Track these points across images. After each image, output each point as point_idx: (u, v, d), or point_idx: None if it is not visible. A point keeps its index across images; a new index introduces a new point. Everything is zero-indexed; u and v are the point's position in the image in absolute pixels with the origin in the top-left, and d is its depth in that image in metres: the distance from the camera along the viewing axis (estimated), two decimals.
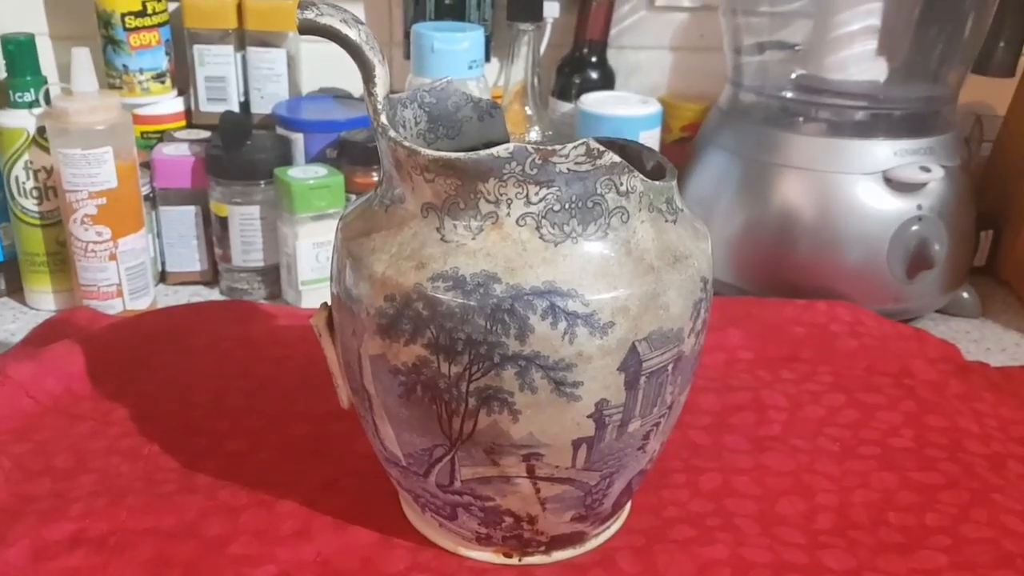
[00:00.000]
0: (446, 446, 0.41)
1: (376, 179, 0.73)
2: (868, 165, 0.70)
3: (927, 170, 0.69)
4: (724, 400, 0.58)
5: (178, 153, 0.75)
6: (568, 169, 0.38)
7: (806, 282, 0.72)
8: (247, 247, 0.74)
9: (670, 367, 0.41)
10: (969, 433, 0.56)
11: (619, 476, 0.44)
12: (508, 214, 0.38)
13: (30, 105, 0.68)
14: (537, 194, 0.38)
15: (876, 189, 0.70)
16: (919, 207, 0.70)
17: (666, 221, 0.41)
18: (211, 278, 0.78)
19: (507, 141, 0.49)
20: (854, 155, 0.70)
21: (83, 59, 0.66)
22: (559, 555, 0.46)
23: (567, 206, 0.39)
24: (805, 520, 0.49)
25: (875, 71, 0.74)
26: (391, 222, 0.41)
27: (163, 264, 0.77)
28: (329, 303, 0.46)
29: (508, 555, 0.46)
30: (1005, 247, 0.81)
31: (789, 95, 0.75)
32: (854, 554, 0.46)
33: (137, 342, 0.62)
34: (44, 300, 0.73)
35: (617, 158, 0.38)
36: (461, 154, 0.37)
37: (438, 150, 0.40)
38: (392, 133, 0.39)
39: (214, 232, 0.75)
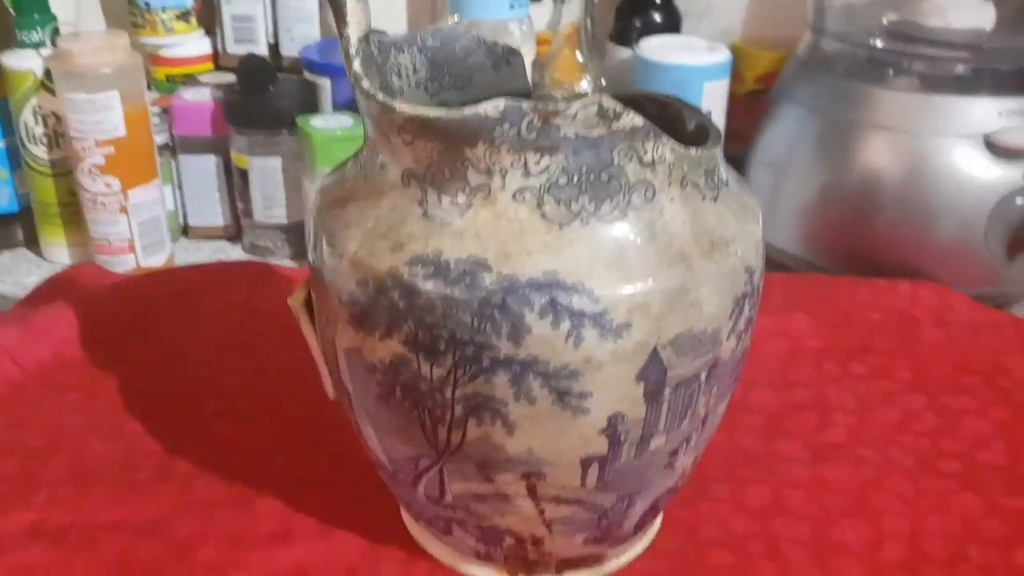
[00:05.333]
0: (432, 457, 0.35)
1: None
2: (968, 127, 0.60)
3: None
4: (782, 398, 0.50)
5: (199, 99, 0.69)
6: (576, 134, 0.31)
7: (888, 259, 0.63)
8: (268, 202, 0.69)
9: (703, 375, 0.34)
10: None
11: (641, 497, 0.37)
12: (502, 187, 0.31)
13: (37, 45, 0.63)
14: (538, 163, 0.31)
15: (975, 155, 0.60)
16: None
17: (704, 198, 0.34)
18: (235, 233, 0.73)
19: (527, 93, 0.42)
20: (952, 115, 0.61)
21: None
22: None
23: (576, 179, 0.31)
24: (869, 550, 0.41)
25: (980, 18, 0.64)
26: (369, 191, 0.34)
27: (185, 217, 0.72)
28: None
29: (513, 573, 0.40)
30: None
31: (878, 44, 0.65)
32: None
33: (137, 306, 0.57)
34: (59, 253, 0.69)
35: (640, 120, 0.31)
36: (441, 112, 0.30)
37: (441, 103, 0.33)
38: (365, 84, 0.32)
39: (235, 185, 0.70)
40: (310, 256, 0.38)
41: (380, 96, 0.32)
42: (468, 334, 0.31)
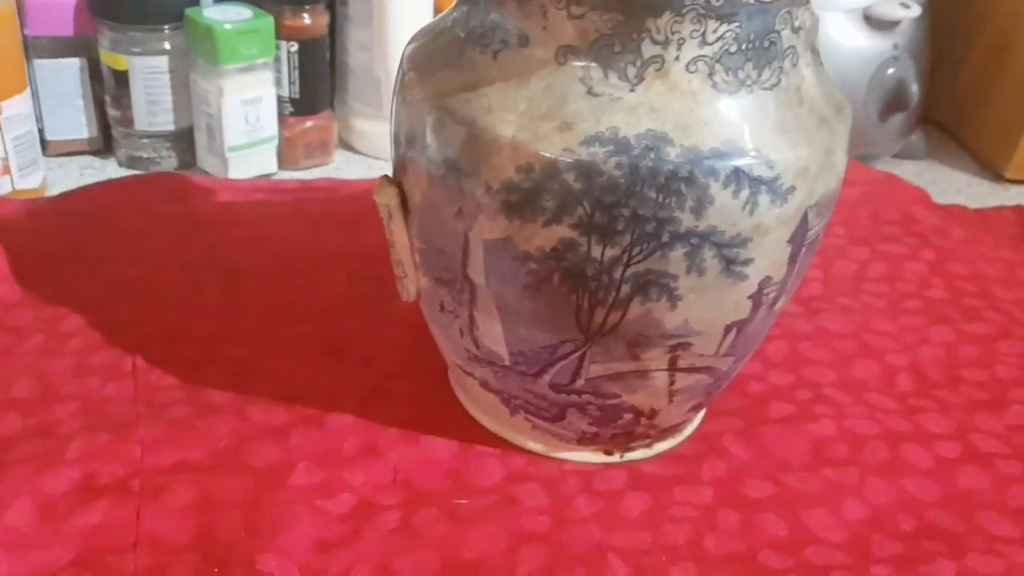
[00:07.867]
0: (578, 341, 0.35)
1: (308, 21, 0.62)
2: (848, 1, 0.66)
3: (907, 7, 0.66)
4: None
5: None
6: (754, 0, 0.31)
7: None
8: (153, 107, 0.61)
9: (820, 235, 0.36)
10: (990, 279, 0.55)
11: (747, 357, 0.39)
12: (677, 58, 0.31)
13: None
14: (715, 32, 0.31)
15: (853, 28, 0.66)
16: (895, 46, 0.67)
17: (820, 64, 0.35)
18: (102, 146, 0.64)
19: None
20: None
21: None
22: (660, 447, 0.41)
23: (744, 46, 0.32)
24: (886, 384, 0.46)
25: None
26: (507, 72, 0.32)
27: (41, 131, 0.63)
28: (391, 175, 0.37)
29: (609, 452, 0.40)
30: (940, 87, 0.80)
31: None
32: (949, 416, 0.44)
33: (63, 231, 0.50)
34: None
35: None
36: None
37: None
38: None
39: (107, 90, 0.61)
40: (407, 151, 0.35)
41: None
42: (651, 210, 0.31)
